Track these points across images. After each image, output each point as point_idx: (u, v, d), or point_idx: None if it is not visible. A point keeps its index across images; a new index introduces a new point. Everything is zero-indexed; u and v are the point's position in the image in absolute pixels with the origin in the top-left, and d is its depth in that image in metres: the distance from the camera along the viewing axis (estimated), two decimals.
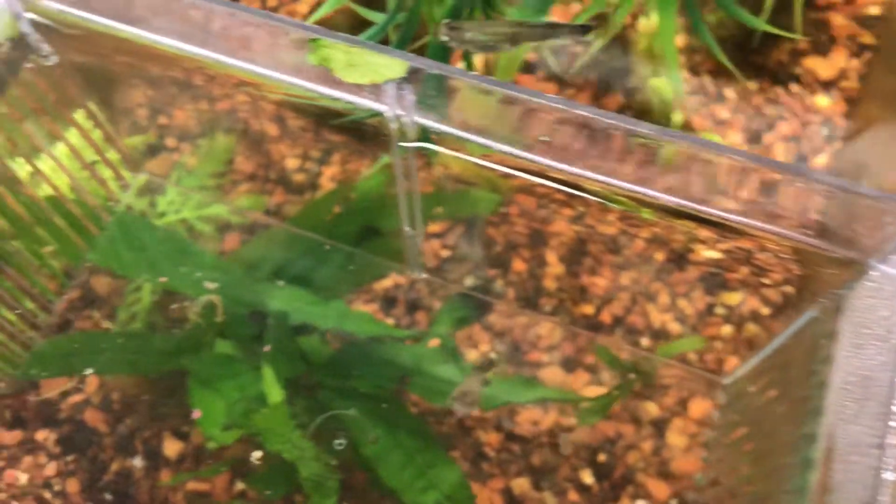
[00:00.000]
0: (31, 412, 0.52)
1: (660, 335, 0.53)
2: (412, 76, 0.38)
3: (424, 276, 0.54)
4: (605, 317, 0.54)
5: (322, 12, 0.54)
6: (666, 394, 0.52)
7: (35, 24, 0.43)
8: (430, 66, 0.37)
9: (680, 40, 0.59)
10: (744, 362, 0.51)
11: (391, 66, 0.37)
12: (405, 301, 0.54)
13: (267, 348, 0.53)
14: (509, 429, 0.51)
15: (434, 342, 0.53)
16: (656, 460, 0.50)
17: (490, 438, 0.51)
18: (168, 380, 0.53)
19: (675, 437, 0.51)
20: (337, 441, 0.50)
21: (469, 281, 0.55)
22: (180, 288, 0.54)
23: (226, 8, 0.38)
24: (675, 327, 0.53)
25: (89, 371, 0.52)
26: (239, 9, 0.38)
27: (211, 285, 0.54)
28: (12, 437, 0.52)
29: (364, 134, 0.53)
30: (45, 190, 0.48)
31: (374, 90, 0.39)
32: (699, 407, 0.51)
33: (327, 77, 0.41)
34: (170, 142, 0.59)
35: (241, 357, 0.52)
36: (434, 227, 0.56)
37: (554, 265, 0.55)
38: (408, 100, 0.38)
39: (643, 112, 0.57)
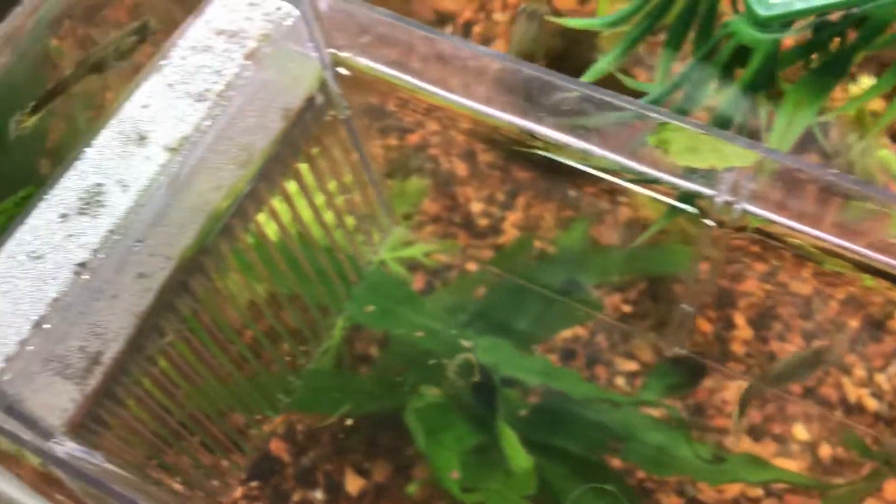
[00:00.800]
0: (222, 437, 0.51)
1: (853, 410, 0.53)
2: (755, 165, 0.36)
3: (684, 352, 0.52)
4: (796, 386, 0.53)
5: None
6: None
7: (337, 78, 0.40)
8: (783, 158, 0.35)
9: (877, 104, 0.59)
10: None
11: (740, 155, 0.35)
12: (585, 355, 0.53)
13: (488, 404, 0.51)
14: (692, 495, 0.50)
15: (647, 408, 0.51)
16: None
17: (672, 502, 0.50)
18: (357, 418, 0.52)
19: None
20: None
21: (672, 344, 0.54)
22: (436, 344, 0.52)
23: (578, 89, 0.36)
24: (871, 403, 0.53)
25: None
26: (585, 87, 0.35)
27: (467, 343, 0.52)
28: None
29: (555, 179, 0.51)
30: (318, 232, 0.45)
31: (706, 174, 0.37)
32: None
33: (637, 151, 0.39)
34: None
35: (448, 405, 0.51)
36: (612, 281, 0.55)
37: (742, 328, 0.54)
38: (746, 188, 0.36)
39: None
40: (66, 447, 0.35)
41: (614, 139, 0.40)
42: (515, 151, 0.50)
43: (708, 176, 0.38)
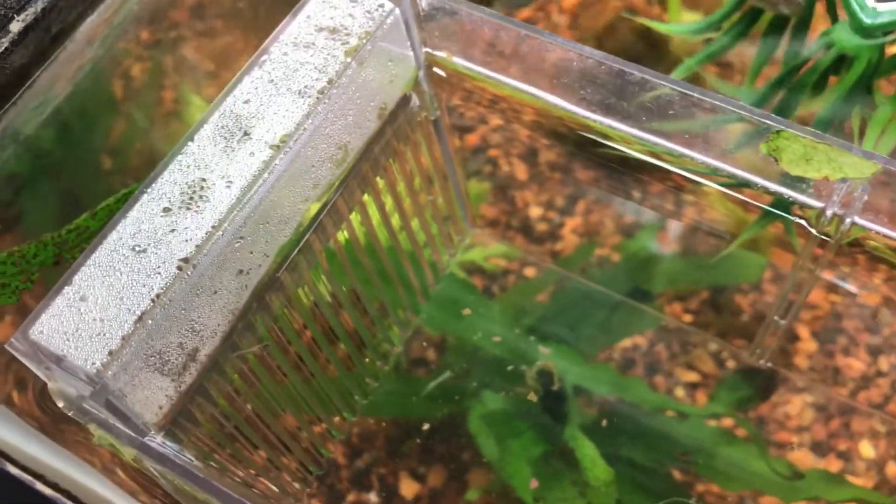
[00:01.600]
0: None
1: None
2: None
3: (769, 364, 0.51)
4: (861, 401, 0.52)
5: None
6: None
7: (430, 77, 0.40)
8: None
9: None
10: None
11: (858, 165, 0.34)
12: (644, 364, 0.52)
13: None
14: None
15: (716, 421, 0.50)
16: None
17: None
18: (415, 422, 0.51)
19: None
20: None
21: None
22: (503, 351, 0.51)
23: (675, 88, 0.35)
24: None
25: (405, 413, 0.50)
26: (688, 89, 0.34)
27: (545, 350, 0.51)
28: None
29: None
30: (403, 233, 0.45)
31: (819, 185, 0.36)
32: None
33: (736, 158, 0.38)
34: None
35: (514, 412, 0.50)
36: (673, 291, 0.54)
37: (805, 340, 0.53)
38: (859, 201, 0.35)
39: None
40: (160, 444, 0.34)
41: (708, 141, 0.39)
42: (593, 154, 0.49)
43: (808, 184, 0.37)
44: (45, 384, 0.43)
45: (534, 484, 0.48)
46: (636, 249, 0.55)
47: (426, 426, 0.51)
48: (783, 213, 0.38)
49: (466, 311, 0.54)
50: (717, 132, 0.37)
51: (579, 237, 0.57)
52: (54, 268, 0.41)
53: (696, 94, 0.34)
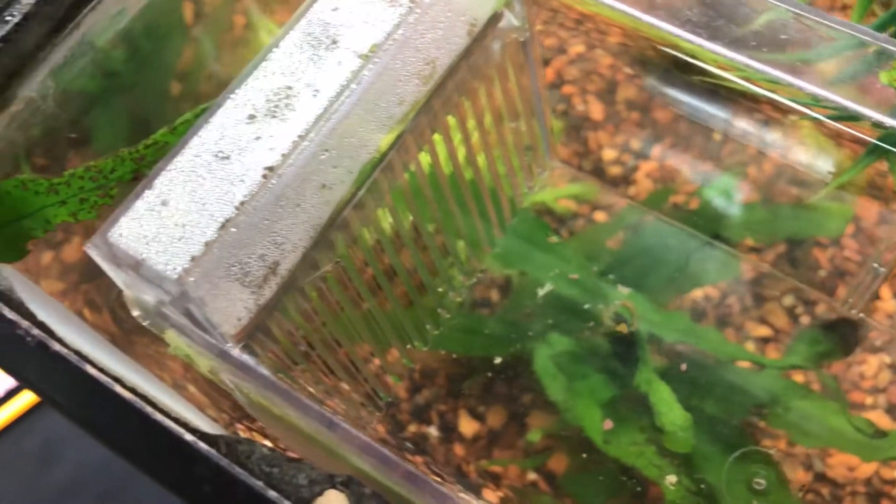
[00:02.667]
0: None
1: None
2: None
3: (862, 315, 0.49)
4: None
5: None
6: None
7: None
8: None
9: None
10: None
11: None
12: (715, 316, 0.51)
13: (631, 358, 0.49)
14: (820, 470, 0.48)
15: (793, 374, 0.49)
16: None
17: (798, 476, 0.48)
18: (478, 361, 0.50)
19: None
20: (756, 480, 0.46)
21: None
22: (573, 292, 0.50)
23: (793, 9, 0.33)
24: None
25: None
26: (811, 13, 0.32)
27: (624, 290, 0.50)
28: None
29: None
30: (483, 162, 0.43)
31: None
32: None
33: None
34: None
35: (582, 354, 0.49)
36: (750, 242, 0.52)
37: (886, 300, 0.51)
38: None
39: None
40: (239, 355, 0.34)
41: (818, 69, 0.37)
42: (680, 85, 0.47)
43: None
44: (116, 304, 0.43)
45: (608, 425, 0.47)
46: (714, 196, 0.53)
47: (491, 364, 0.50)
48: (893, 148, 0.36)
49: (539, 251, 0.53)
50: (829, 60, 0.35)
51: (655, 182, 0.55)
52: (132, 183, 0.40)
53: (817, 19, 0.32)
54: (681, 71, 0.48)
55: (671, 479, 0.45)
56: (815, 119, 0.41)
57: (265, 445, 0.29)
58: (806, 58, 0.35)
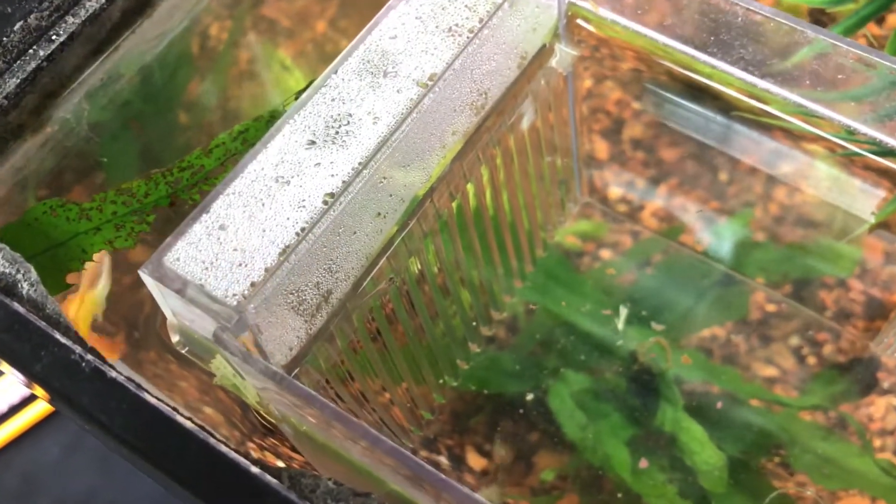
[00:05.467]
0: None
1: None
2: None
3: (883, 355, 0.49)
4: None
5: None
6: None
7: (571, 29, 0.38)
8: None
9: None
10: None
11: None
12: (721, 356, 0.51)
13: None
14: None
15: (810, 414, 0.49)
16: None
17: None
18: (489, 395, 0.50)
19: None
20: None
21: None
22: (590, 328, 0.50)
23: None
24: None
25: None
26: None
27: (658, 327, 0.49)
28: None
29: None
30: (521, 195, 0.43)
31: None
32: None
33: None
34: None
35: (599, 392, 0.48)
36: (760, 281, 0.52)
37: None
38: None
39: None
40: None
41: (862, 105, 0.37)
42: (717, 120, 0.47)
43: None
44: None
45: (644, 464, 0.46)
46: (721, 235, 0.53)
47: (494, 400, 0.49)
48: None
49: (559, 285, 0.53)
50: (868, 96, 0.36)
51: (661, 220, 0.55)
52: (170, 208, 0.39)
53: (858, 52, 0.33)
54: (696, 99, 0.48)
55: None
56: (852, 154, 0.41)
57: (329, 479, 0.28)
58: (852, 95, 0.36)
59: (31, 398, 0.60)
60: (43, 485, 0.60)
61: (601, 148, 0.57)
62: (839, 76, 0.36)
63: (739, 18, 0.34)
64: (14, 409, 0.60)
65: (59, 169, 0.41)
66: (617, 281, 0.53)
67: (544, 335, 0.51)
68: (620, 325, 0.51)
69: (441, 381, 0.45)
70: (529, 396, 0.50)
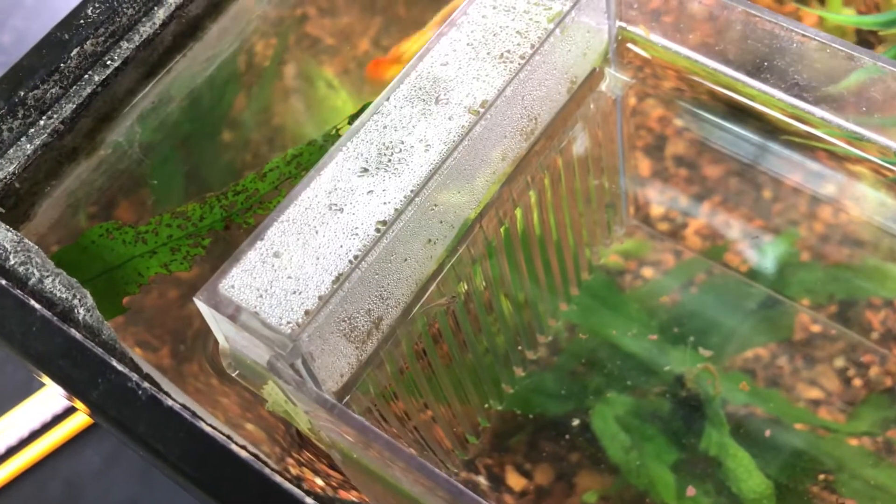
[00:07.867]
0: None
1: None
2: None
3: None
4: None
5: None
6: None
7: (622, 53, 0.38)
8: None
9: None
10: None
11: None
12: (764, 378, 0.50)
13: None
14: None
15: (857, 439, 0.48)
16: None
17: None
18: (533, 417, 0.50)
19: None
20: None
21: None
22: (645, 352, 0.50)
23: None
24: None
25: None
26: None
27: (705, 352, 0.49)
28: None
29: None
30: (569, 218, 0.43)
31: None
32: None
33: None
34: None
35: (644, 415, 0.48)
36: (805, 302, 0.52)
37: None
38: None
39: None
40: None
41: None
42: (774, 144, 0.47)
43: None
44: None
45: (691, 492, 0.46)
46: (774, 252, 0.53)
47: (535, 423, 0.49)
48: None
49: (604, 307, 0.52)
50: None
51: (704, 239, 0.55)
52: (225, 232, 0.40)
53: None
54: (738, 120, 0.48)
55: None
56: None
57: None
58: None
59: (74, 408, 0.61)
60: (85, 494, 0.60)
61: (644, 165, 0.56)
62: (888, 100, 0.36)
63: (794, 44, 0.34)
64: (57, 419, 0.61)
65: (110, 191, 0.41)
66: (660, 301, 0.53)
67: (588, 357, 0.51)
68: (665, 348, 0.51)
69: (486, 405, 0.45)
70: (572, 418, 0.50)
